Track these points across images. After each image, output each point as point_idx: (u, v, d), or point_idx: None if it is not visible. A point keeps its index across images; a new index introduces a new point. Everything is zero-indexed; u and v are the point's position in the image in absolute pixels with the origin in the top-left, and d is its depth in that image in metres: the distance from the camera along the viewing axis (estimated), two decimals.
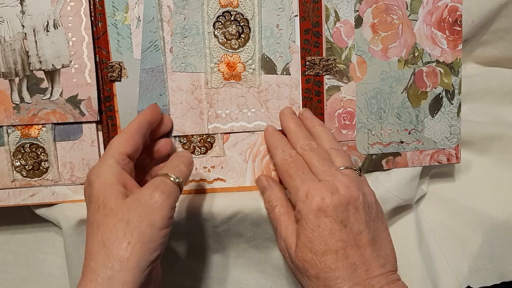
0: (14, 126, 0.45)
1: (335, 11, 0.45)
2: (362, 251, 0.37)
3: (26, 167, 0.46)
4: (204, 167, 0.47)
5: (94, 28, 0.44)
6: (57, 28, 0.44)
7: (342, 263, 0.36)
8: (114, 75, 0.44)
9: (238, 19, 0.44)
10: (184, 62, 0.44)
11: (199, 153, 0.47)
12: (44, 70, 0.44)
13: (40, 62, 0.44)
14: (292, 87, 0.45)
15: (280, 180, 0.45)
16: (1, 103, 0.45)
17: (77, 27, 0.44)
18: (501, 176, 0.54)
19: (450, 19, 0.46)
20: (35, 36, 0.44)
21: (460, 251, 0.51)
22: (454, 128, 0.48)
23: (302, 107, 0.46)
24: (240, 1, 0.43)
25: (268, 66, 0.45)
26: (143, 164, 0.44)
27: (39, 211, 0.48)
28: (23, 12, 0.43)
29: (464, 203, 0.53)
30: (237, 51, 0.44)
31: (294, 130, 0.44)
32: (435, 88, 0.47)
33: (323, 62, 0.45)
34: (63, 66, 0.44)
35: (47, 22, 0.44)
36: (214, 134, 0.46)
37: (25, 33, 0.44)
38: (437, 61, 0.47)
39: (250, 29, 0.44)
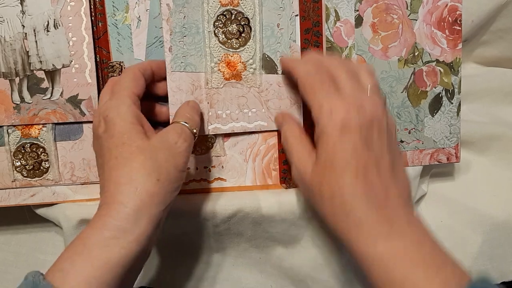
0: (14, 126, 0.45)
1: (335, 11, 0.45)
2: (382, 175, 0.36)
3: (27, 167, 0.46)
4: (205, 167, 0.47)
5: (94, 28, 0.44)
6: (58, 28, 0.44)
7: (361, 183, 0.35)
8: (115, 75, 0.45)
9: (239, 18, 0.44)
10: (184, 62, 0.44)
11: (199, 152, 0.47)
12: (44, 70, 0.44)
13: (41, 62, 0.44)
14: (293, 86, 0.45)
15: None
16: (1, 103, 0.45)
17: (78, 27, 0.44)
18: (501, 176, 0.54)
19: (450, 18, 0.46)
20: (35, 36, 0.44)
21: (460, 251, 0.51)
22: (454, 127, 0.48)
23: (303, 107, 0.46)
24: (241, 0, 0.43)
25: (269, 66, 0.45)
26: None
27: (40, 211, 0.48)
28: (23, 12, 0.43)
29: (464, 203, 0.53)
30: (238, 50, 0.44)
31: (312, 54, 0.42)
32: (435, 88, 0.47)
33: None
34: (63, 66, 0.44)
35: (48, 22, 0.44)
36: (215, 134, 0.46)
37: (26, 33, 0.44)
38: (437, 61, 0.47)
39: (250, 28, 0.44)
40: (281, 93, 0.45)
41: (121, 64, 0.45)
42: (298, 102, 0.46)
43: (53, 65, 0.44)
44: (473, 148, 0.54)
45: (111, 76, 0.44)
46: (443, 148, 0.48)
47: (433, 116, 0.48)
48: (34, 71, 0.44)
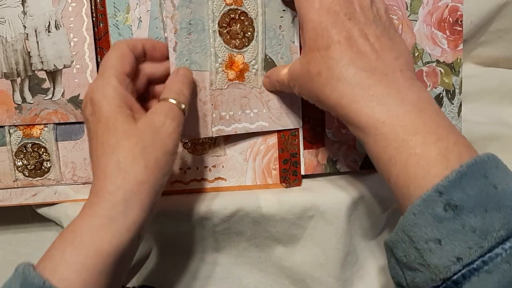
0: (16, 126, 0.45)
1: None
2: (371, 42, 0.34)
3: (28, 166, 0.46)
4: (205, 166, 0.47)
5: (95, 28, 0.44)
6: (59, 28, 0.44)
7: (346, 52, 0.33)
8: None
9: (242, 18, 0.44)
10: (189, 59, 0.43)
11: (199, 152, 0.47)
12: (45, 71, 0.45)
13: (42, 62, 0.44)
14: None
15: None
16: (3, 103, 0.45)
17: (79, 28, 0.44)
18: None
19: (450, 19, 0.46)
20: (36, 36, 0.44)
21: None
22: None
23: (302, 107, 0.46)
24: (245, 0, 0.43)
25: (270, 67, 0.45)
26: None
27: (41, 211, 0.48)
28: (24, 12, 0.44)
29: None
30: (241, 51, 0.44)
31: None
32: (436, 88, 0.47)
33: None
34: (64, 67, 0.45)
35: (49, 22, 0.44)
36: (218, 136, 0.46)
37: (27, 34, 0.44)
38: (438, 61, 0.47)
39: (254, 28, 0.44)
40: (281, 93, 0.45)
41: None
42: (298, 102, 0.46)
43: (54, 65, 0.44)
44: None
45: None
46: None
47: None
48: (36, 72, 0.45)
